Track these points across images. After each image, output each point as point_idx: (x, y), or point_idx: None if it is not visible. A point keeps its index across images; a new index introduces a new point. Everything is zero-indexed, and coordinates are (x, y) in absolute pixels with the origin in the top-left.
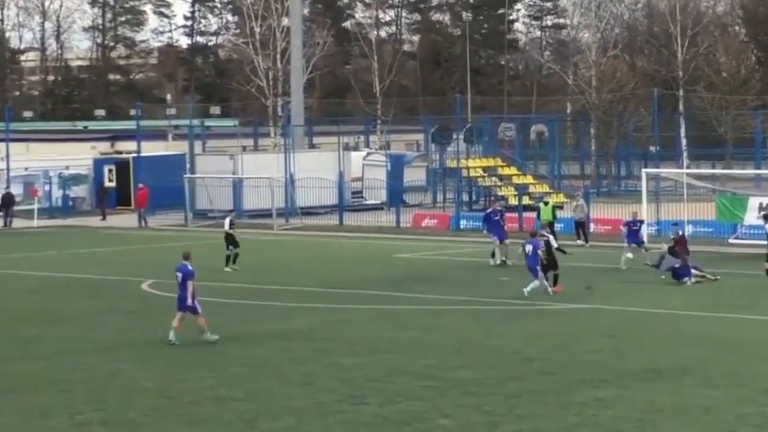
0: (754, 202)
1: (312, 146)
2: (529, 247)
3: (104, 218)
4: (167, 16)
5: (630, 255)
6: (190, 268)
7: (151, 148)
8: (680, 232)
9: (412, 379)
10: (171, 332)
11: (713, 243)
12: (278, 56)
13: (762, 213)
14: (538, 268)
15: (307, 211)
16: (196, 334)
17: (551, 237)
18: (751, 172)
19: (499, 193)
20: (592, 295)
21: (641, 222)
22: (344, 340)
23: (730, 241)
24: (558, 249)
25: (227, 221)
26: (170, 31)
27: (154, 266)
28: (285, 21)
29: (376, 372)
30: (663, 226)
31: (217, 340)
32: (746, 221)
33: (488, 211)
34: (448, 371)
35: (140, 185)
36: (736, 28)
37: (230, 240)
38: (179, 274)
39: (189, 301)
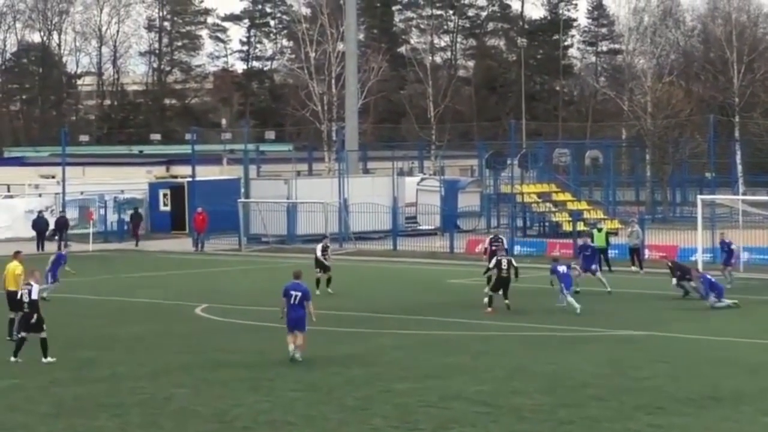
0: None
1: (366, 171)
2: (563, 268)
3: (137, 244)
4: (223, 41)
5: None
6: (305, 286)
7: (206, 173)
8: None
9: (465, 404)
10: (291, 347)
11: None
12: (333, 81)
13: None
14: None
15: (361, 236)
16: (254, 358)
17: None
18: None
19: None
20: (645, 321)
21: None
22: (398, 365)
23: None
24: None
25: (320, 247)
26: (226, 55)
27: (208, 291)
28: (340, 46)
29: (430, 397)
30: (717, 253)
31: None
32: None
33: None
34: (501, 397)
35: (198, 209)
36: None
37: (320, 264)
38: (297, 293)
39: (313, 318)
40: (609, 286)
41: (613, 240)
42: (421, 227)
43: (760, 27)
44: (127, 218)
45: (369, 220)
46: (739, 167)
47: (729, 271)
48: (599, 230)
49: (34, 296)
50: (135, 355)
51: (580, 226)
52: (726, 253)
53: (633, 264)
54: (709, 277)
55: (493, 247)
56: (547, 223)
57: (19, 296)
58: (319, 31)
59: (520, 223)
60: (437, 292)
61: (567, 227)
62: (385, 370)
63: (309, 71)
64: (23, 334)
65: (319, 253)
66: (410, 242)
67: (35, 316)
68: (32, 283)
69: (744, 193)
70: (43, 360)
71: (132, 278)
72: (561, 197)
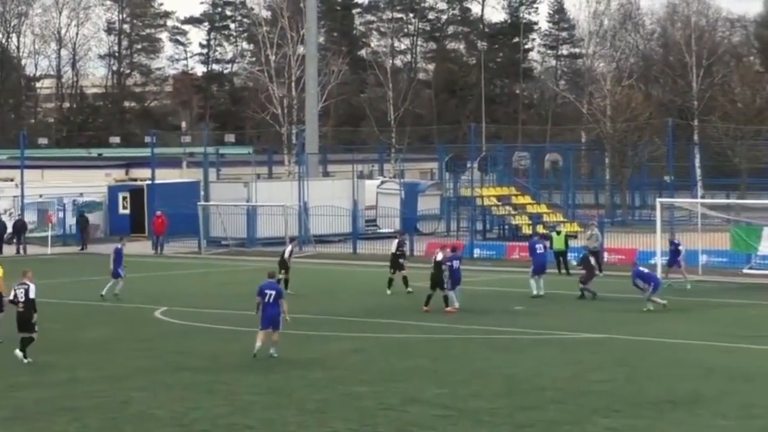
0: None
1: (326, 174)
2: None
3: (83, 248)
4: (183, 44)
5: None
6: (279, 286)
7: (166, 176)
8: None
9: (424, 407)
10: (258, 344)
11: (728, 273)
12: (293, 84)
13: None
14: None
15: (321, 239)
16: (214, 361)
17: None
18: (766, 202)
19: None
20: (603, 324)
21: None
22: (358, 369)
23: (745, 271)
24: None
25: (288, 249)
26: (186, 58)
27: (168, 294)
28: (300, 49)
29: (390, 400)
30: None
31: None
32: (761, 251)
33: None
34: (460, 400)
35: (158, 212)
36: (752, 58)
37: (284, 266)
38: (271, 292)
39: (286, 317)
40: (542, 291)
41: (571, 243)
42: (380, 230)
43: (718, 31)
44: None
45: (329, 223)
46: (698, 171)
47: (680, 272)
48: (558, 233)
49: (33, 295)
50: (94, 358)
51: (540, 229)
52: (672, 253)
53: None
54: (641, 269)
55: (398, 252)
56: (506, 226)
57: (12, 297)
58: (279, 34)
59: (480, 226)
60: (397, 295)
61: (527, 230)
62: (345, 373)
63: (269, 74)
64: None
65: (287, 255)
66: (370, 245)
67: (34, 315)
68: (28, 282)
69: (703, 197)
70: (24, 360)
71: (91, 281)
72: (521, 200)
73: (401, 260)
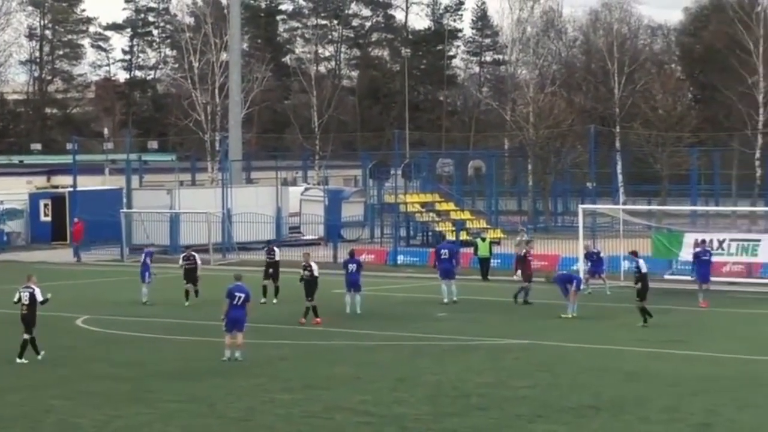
0: (689, 239)
1: (250, 181)
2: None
3: None
4: (105, 50)
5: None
6: (248, 288)
7: (88, 183)
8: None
9: (348, 415)
10: (227, 352)
11: (649, 279)
12: (216, 91)
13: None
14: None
15: (244, 246)
16: (136, 369)
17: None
18: (686, 208)
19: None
20: (527, 330)
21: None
22: (282, 376)
23: (666, 276)
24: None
25: (182, 257)
26: (108, 65)
27: (89, 302)
28: (224, 56)
29: (313, 408)
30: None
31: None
32: (682, 257)
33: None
34: (385, 407)
35: (75, 219)
36: (673, 65)
37: (189, 275)
38: (240, 295)
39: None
40: (455, 297)
41: (496, 249)
42: (304, 237)
43: (640, 38)
44: (7, 229)
45: (252, 230)
46: (620, 177)
47: (602, 278)
48: (483, 239)
49: (40, 298)
50: (14, 367)
51: (464, 236)
52: (593, 262)
53: (517, 273)
54: (562, 273)
55: (268, 259)
56: (430, 233)
57: (16, 299)
58: (202, 40)
59: (403, 232)
60: (321, 302)
61: (450, 237)
62: (268, 380)
63: (192, 81)
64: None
65: (180, 262)
66: (294, 252)
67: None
68: (33, 286)
69: (624, 203)
70: (17, 360)
71: (11, 290)
72: (444, 207)
73: (271, 270)
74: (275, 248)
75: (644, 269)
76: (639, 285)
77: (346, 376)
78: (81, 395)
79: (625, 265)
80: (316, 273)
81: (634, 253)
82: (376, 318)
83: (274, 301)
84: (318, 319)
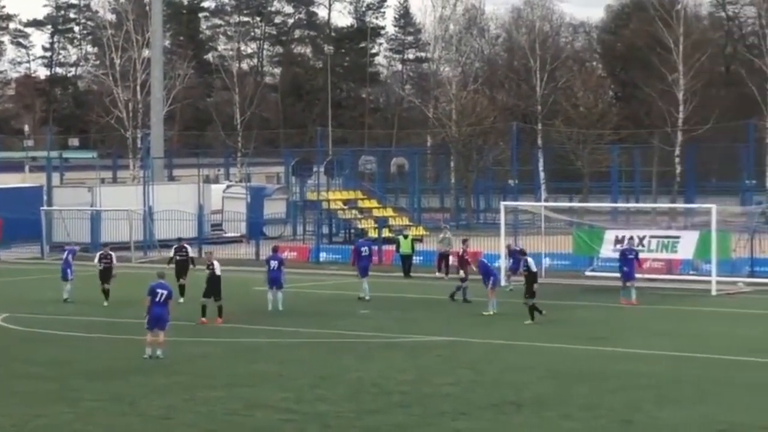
0: (610, 235)
1: (171, 179)
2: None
3: None
4: (25, 47)
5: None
6: (170, 286)
7: (8, 180)
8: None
9: (270, 412)
10: (149, 350)
11: (570, 276)
12: (138, 88)
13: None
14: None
15: (166, 244)
16: (57, 368)
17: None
18: (607, 205)
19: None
20: (450, 328)
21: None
22: (203, 374)
23: (587, 273)
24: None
25: (98, 255)
26: (28, 61)
27: (9, 300)
28: (146, 52)
29: (235, 405)
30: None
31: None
32: (602, 254)
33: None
34: (307, 404)
35: None
36: (594, 63)
37: (104, 276)
38: (163, 292)
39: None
40: (368, 294)
41: (418, 246)
42: (226, 234)
43: (562, 36)
44: None
45: (174, 228)
46: (542, 174)
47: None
48: (405, 237)
49: None
50: None
51: (386, 233)
52: (515, 260)
53: (439, 270)
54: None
55: (178, 257)
56: (353, 230)
57: None
58: (124, 37)
59: (326, 230)
60: (243, 299)
61: (373, 234)
62: (190, 378)
63: (114, 78)
64: None
65: (96, 261)
66: (216, 250)
67: None
68: None
69: (546, 200)
70: None
71: None
72: (367, 204)
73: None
74: (186, 245)
75: (534, 268)
76: (528, 284)
77: (268, 373)
78: (1, 394)
79: (546, 262)
80: (218, 272)
81: (522, 252)
82: (299, 315)
83: (181, 300)
84: (220, 319)
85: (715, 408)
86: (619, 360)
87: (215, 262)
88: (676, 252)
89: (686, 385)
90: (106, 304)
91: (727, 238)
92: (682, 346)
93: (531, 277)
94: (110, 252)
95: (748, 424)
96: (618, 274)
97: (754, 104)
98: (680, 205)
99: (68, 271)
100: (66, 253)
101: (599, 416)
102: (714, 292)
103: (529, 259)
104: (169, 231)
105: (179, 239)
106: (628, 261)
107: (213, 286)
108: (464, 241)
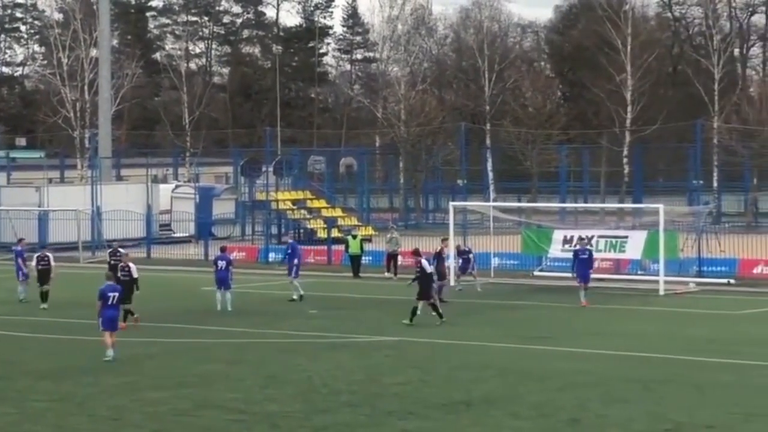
0: (558, 235)
1: (120, 178)
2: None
3: None
4: None
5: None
6: (121, 288)
7: None
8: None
9: (219, 412)
10: (110, 351)
11: (518, 275)
12: (86, 87)
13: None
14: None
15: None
16: (3, 369)
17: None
18: (556, 205)
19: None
20: (397, 327)
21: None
22: (151, 374)
23: (535, 273)
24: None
25: (36, 257)
26: None
27: None
28: (93, 52)
29: (183, 406)
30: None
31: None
32: (551, 254)
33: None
34: (255, 405)
35: None
36: (542, 63)
37: (42, 277)
38: (114, 294)
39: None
40: (301, 291)
41: (367, 246)
42: (175, 235)
43: (510, 36)
44: None
45: (122, 228)
46: (490, 174)
47: (472, 274)
48: (354, 237)
49: None
50: None
51: (335, 233)
52: (464, 260)
53: (388, 270)
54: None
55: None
56: (302, 230)
57: None
58: (71, 36)
59: (275, 230)
60: (192, 299)
61: (322, 234)
62: (138, 378)
63: (61, 77)
64: None
65: (34, 263)
66: (164, 250)
67: None
68: None
69: (495, 200)
70: None
71: None
72: (316, 204)
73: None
74: (120, 249)
75: (428, 269)
76: (420, 284)
77: (216, 373)
78: None
79: (495, 261)
80: (135, 274)
81: (416, 252)
82: (247, 315)
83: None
84: (124, 324)
85: (662, 407)
86: (567, 359)
87: (131, 265)
88: (624, 252)
89: (633, 384)
90: (44, 306)
91: (674, 238)
92: (630, 345)
93: (423, 278)
94: (48, 253)
95: (695, 423)
96: (568, 274)
97: (701, 104)
98: (628, 205)
99: (20, 272)
100: (15, 254)
101: (547, 415)
102: (662, 292)
103: (423, 261)
104: (118, 231)
105: (110, 243)
106: (581, 261)
107: (127, 289)
108: (443, 240)
